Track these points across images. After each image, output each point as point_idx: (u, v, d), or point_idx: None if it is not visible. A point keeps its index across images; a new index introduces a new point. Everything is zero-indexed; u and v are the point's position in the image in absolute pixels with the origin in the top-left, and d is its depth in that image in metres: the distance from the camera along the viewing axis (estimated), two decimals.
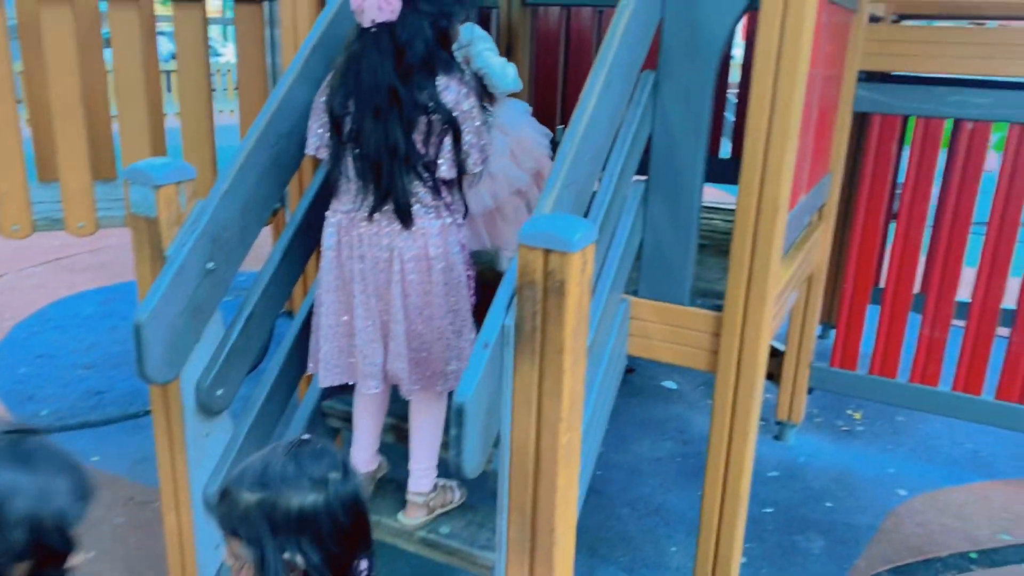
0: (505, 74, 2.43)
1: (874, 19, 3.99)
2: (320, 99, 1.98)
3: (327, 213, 2.04)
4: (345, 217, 1.99)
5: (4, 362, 4.10)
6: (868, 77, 3.05)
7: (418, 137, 1.88)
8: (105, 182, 3.41)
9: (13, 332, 4.49)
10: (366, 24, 1.88)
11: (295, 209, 2.25)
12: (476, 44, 2.44)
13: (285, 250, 2.17)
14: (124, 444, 3.33)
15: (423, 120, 1.87)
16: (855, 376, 3.28)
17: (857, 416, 3.74)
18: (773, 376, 3.53)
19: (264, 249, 2.37)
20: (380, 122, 1.87)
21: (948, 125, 3.00)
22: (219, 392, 2.03)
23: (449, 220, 1.99)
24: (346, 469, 1.28)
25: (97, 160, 3.35)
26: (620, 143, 2.03)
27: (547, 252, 1.46)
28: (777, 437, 3.51)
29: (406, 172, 1.89)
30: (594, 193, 1.97)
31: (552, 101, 4.01)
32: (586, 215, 1.94)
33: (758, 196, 1.97)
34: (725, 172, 2.84)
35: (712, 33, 1.94)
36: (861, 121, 3.27)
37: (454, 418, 1.46)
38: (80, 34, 2.95)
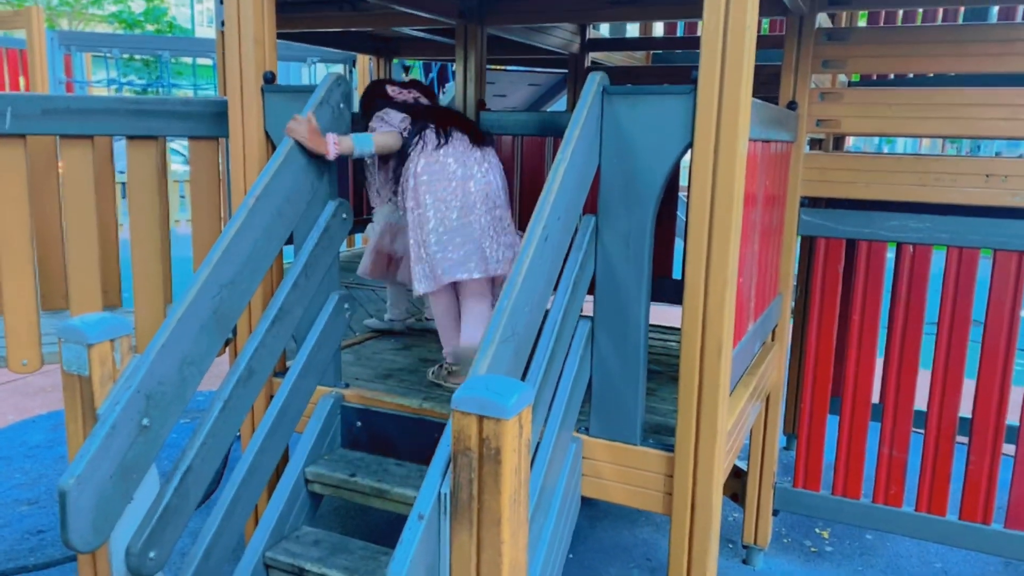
0: None
1: (816, 141, 4.16)
2: None
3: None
4: None
5: None
6: (811, 202, 3.14)
7: None
8: (54, 313, 3.35)
9: None
10: None
11: (238, 355, 2.21)
12: None
13: (227, 399, 2.12)
14: None
15: None
16: (819, 497, 3.23)
17: (825, 535, 3.66)
18: (737, 496, 3.47)
19: (223, 367, 2.29)
20: None
21: None
22: (151, 555, 1.93)
23: None
24: None
25: (48, 292, 3.31)
26: (563, 285, 2.04)
27: (481, 418, 1.43)
28: (745, 561, 3.42)
29: None
30: (539, 333, 1.96)
31: None
32: (529, 360, 1.92)
33: (701, 339, 1.97)
34: (680, 292, 2.85)
35: (647, 181, 1.98)
36: (811, 242, 3.33)
37: None
38: (35, 170, 2.95)
